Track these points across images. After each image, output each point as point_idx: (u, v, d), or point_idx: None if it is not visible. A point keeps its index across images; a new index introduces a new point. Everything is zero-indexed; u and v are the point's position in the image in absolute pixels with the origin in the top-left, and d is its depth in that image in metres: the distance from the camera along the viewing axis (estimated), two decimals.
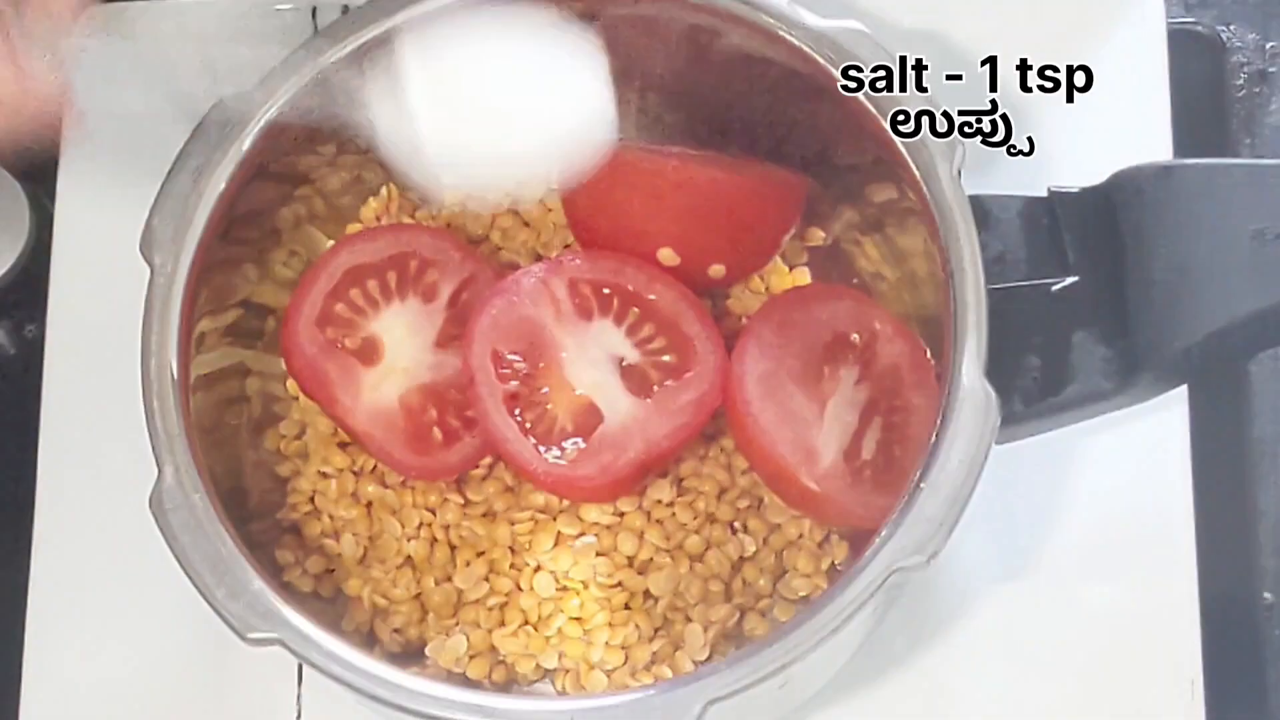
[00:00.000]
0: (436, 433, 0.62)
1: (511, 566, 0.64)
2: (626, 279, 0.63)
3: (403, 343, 0.63)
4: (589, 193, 0.64)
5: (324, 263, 0.64)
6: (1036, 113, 0.70)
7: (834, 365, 0.62)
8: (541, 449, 0.61)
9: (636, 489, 0.63)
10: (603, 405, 0.61)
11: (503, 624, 0.64)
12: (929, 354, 0.62)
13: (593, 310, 0.62)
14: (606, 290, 0.63)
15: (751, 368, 0.61)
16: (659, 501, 0.64)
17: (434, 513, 0.64)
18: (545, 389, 0.61)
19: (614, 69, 0.66)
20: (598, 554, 0.63)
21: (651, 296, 0.63)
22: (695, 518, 0.64)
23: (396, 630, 0.64)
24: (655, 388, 0.62)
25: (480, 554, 0.64)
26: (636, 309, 0.63)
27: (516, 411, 0.61)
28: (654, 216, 0.63)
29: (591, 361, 0.62)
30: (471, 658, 0.63)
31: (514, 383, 0.61)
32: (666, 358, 0.62)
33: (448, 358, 0.63)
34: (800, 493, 0.60)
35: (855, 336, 0.62)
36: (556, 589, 0.63)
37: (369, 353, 0.63)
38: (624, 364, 0.62)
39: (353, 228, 0.68)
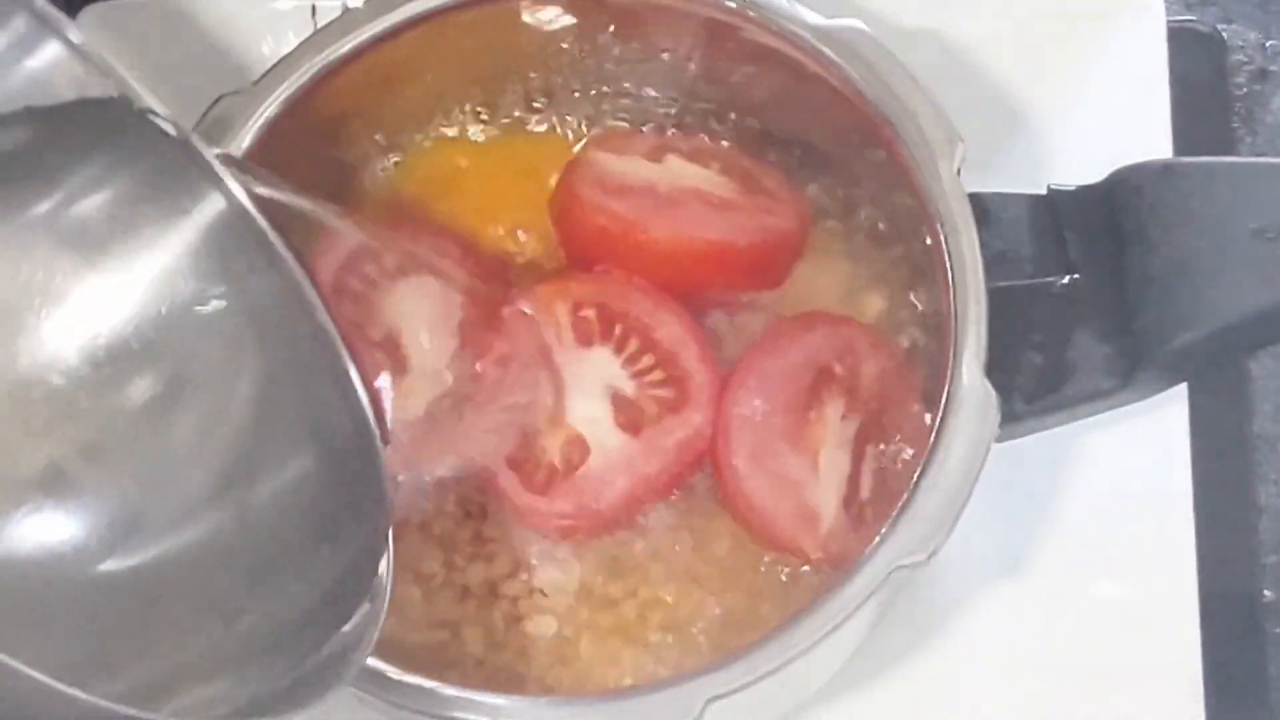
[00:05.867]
0: None
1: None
2: (631, 303, 0.61)
3: None
4: (578, 247, 0.63)
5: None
6: (1037, 111, 0.71)
7: (820, 406, 0.60)
8: (525, 483, 0.60)
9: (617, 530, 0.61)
10: (591, 441, 0.60)
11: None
12: (908, 357, 0.62)
13: (593, 338, 0.61)
14: (610, 317, 0.61)
15: (738, 441, 0.59)
16: None
17: None
18: (538, 425, 0.61)
19: (615, 64, 0.66)
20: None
21: (654, 326, 0.61)
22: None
23: None
24: (647, 425, 0.60)
25: None
26: (638, 340, 0.61)
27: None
28: (644, 271, 0.62)
29: (587, 393, 0.61)
30: None
31: None
32: (664, 392, 0.61)
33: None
34: (804, 558, 0.60)
35: (838, 366, 0.61)
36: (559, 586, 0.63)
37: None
38: (619, 396, 0.61)
39: None
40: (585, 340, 0.61)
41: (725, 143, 0.66)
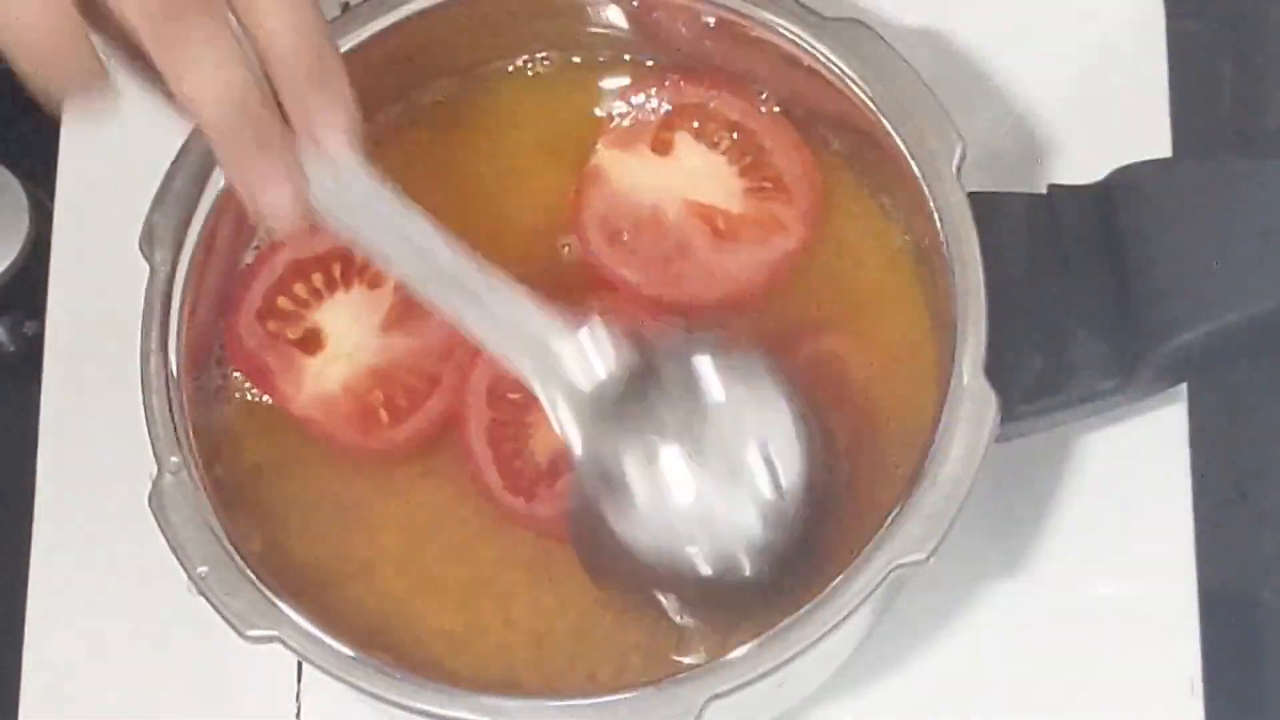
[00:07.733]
0: (383, 413, 0.62)
1: None
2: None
3: (348, 329, 0.63)
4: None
5: (266, 258, 0.63)
6: (1037, 110, 0.71)
7: None
8: (507, 481, 0.60)
9: None
10: None
11: None
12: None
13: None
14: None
15: None
16: None
17: None
18: (530, 425, 0.61)
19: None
20: None
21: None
22: None
23: None
24: None
25: None
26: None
27: (497, 441, 0.61)
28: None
29: None
30: None
31: (502, 414, 0.61)
32: None
33: (395, 339, 0.63)
34: None
35: None
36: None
37: (311, 342, 0.62)
38: None
39: None
40: None
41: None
